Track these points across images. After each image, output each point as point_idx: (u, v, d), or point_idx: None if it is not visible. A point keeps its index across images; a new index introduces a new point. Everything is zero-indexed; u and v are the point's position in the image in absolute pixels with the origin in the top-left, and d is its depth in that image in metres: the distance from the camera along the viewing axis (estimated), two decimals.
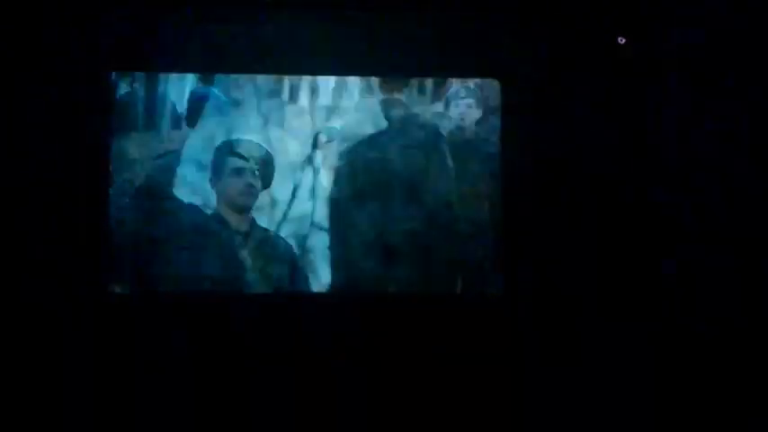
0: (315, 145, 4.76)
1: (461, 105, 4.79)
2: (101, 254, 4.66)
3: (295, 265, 4.68)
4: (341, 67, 4.79)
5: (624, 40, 4.71)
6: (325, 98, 4.80)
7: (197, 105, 4.78)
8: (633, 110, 4.74)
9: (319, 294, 4.68)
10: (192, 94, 4.78)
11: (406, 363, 4.53)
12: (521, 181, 4.76)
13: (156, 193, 4.69)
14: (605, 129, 4.78)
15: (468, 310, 4.69)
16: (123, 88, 4.81)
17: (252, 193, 4.68)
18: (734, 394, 4.11)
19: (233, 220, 4.69)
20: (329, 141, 4.71)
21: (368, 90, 4.78)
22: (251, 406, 4.38)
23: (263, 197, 4.70)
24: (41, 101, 4.70)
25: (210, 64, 4.79)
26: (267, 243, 4.69)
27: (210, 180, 4.71)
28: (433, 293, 4.70)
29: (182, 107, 4.77)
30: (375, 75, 4.73)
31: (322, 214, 4.72)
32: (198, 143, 4.75)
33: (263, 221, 4.71)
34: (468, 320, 4.65)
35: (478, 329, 4.63)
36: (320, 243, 4.68)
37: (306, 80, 4.74)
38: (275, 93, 4.81)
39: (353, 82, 4.74)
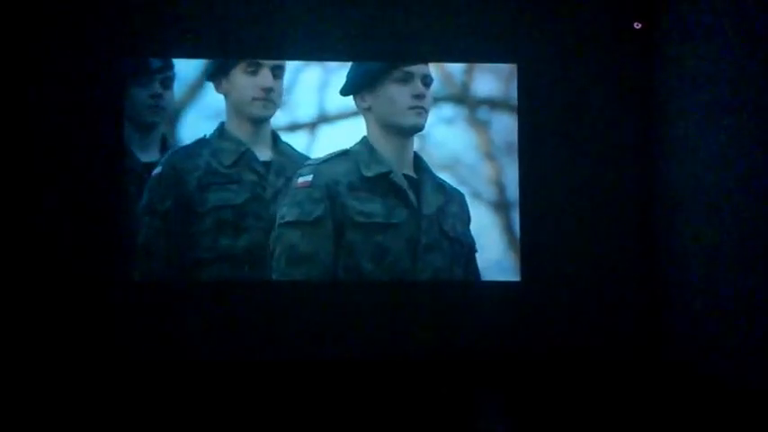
0: None
1: None
2: (120, 243, 4.65)
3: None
4: (363, 54, 4.77)
5: (640, 26, 4.75)
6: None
7: None
8: (649, 94, 4.81)
9: (356, 281, 4.72)
10: None
11: (434, 340, 4.71)
12: (538, 169, 4.84)
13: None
14: (622, 114, 4.86)
15: (491, 294, 4.81)
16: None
17: None
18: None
19: None
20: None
21: None
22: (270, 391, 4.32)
23: None
24: (54, 89, 4.64)
25: (222, 49, 4.75)
26: None
27: None
28: (461, 280, 4.78)
29: None
30: (397, 61, 4.69)
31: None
32: None
33: None
34: (490, 304, 4.81)
35: (500, 312, 4.80)
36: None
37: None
38: None
39: None
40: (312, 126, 4.82)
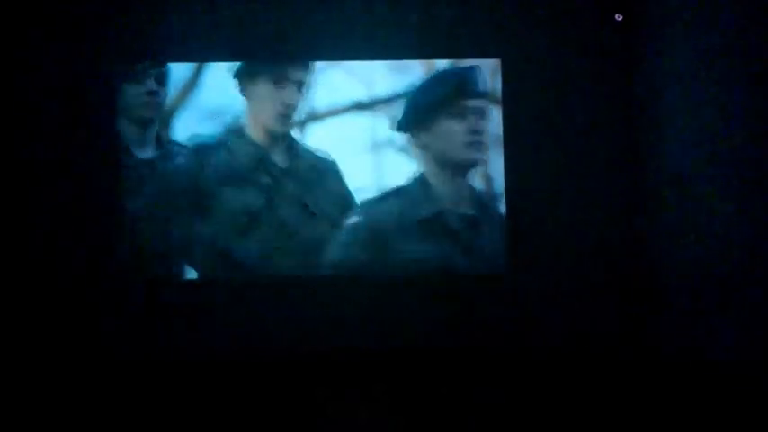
0: None
1: None
2: (114, 241, 4.76)
3: None
4: (348, 53, 4.86)
5: (621, 17, 4.79)
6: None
7: None
8: (632, 85, 4.86)
9: (344, 275, 4.83)
10: None
11: (421, 334, 4.80)
12: (523, 162, 4.89)
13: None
14: (606, 105, 4.90)
15: (480, 285, 4.90)
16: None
17: None
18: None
19: None
20: None
21: None
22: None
23: None
24: (48, 88, 4.76)
25: (217, 52, 4.84)
26: None
27: None
28: (452, 272, 4.86)
29: None
30: (382, 59, 4.82)
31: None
32: None
33: None
34: (479, 293, 4.90)
35: (487, 300, 4.89)
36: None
37: None
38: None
39: None
40: (301, 124, 4.88)
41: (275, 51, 4.85)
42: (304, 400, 3.95)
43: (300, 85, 4.81)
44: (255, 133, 4.81)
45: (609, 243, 4.90)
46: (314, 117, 4.89)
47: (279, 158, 4.82)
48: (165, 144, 4.83)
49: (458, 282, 4.85)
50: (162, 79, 4.84)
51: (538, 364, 4.59)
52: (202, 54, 4.83)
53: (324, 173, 4.82)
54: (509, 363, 4.65)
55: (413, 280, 4.82)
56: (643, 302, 4.79)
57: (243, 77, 4.82)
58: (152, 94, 4.83)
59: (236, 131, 4.80)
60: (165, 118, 4.85)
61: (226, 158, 4.78)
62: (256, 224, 4.77)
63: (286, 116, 4.80)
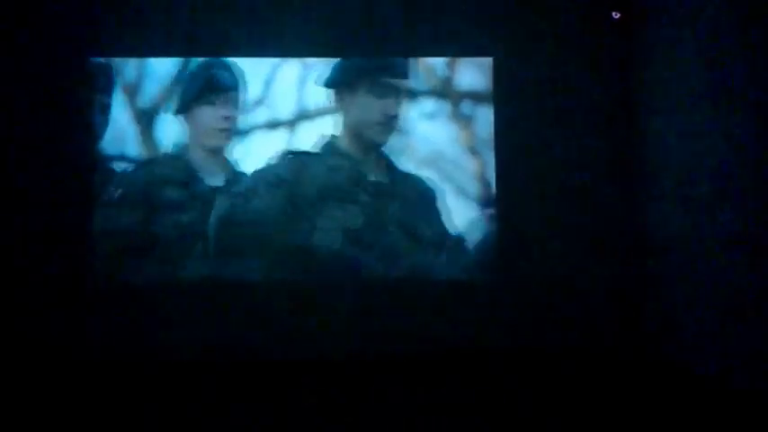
0: None
1: None
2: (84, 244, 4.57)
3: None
4: (342, 50, 4.69)
5: (619, 15, 4.76)
6: None
7: None
8: (626, 84, 4.83)
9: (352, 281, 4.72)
10: None
11: (409, 337, 4.71)
12: (514, 164, 4.81)
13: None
14: (600, 105, 4.86)
15: (473, 289, 4.82)
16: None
17: None
18: None
19: None
20: None
21: None
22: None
23: None
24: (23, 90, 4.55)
25: (195, 48, 4.65)
26: None
27: None
28: (447, 278, 4.80)
29: None
30: (375, 56, 4.69)
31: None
32: None
33: None
34: (472, 297, 4.82)
35: (480, 302, 4.82)
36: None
37: None
38: None
39: None
40: (292, 124, 4.69)
41: (266, 47, 4.67)
42: (300, 402, 3.83)
43: (400, 95, 4.68)
44: (350, 145, 4.66)
45: (603, 243, 4.87)
46: (305, 116, 4.68)
47: (373, 174, 4.68)
48: (236, 171, 4.64)
49: (452, 285, 4.77)
50: (236, 103, 4.65)
51: (532, 365, 4.55)
52: (185, 50, 4.64)
53: (423, 192, 4.72)
54: (505, 363, 4.61)
55: (407, 283, 4.72)
56: (637, 302, 4.79)
57: (340, 87, 4.64)
58: (228, 119, 4.63)
59: (328, 146, 4.65)
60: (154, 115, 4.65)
61: (323, 171, 4.63)
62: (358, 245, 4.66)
63: (387, 126, 4.66)
